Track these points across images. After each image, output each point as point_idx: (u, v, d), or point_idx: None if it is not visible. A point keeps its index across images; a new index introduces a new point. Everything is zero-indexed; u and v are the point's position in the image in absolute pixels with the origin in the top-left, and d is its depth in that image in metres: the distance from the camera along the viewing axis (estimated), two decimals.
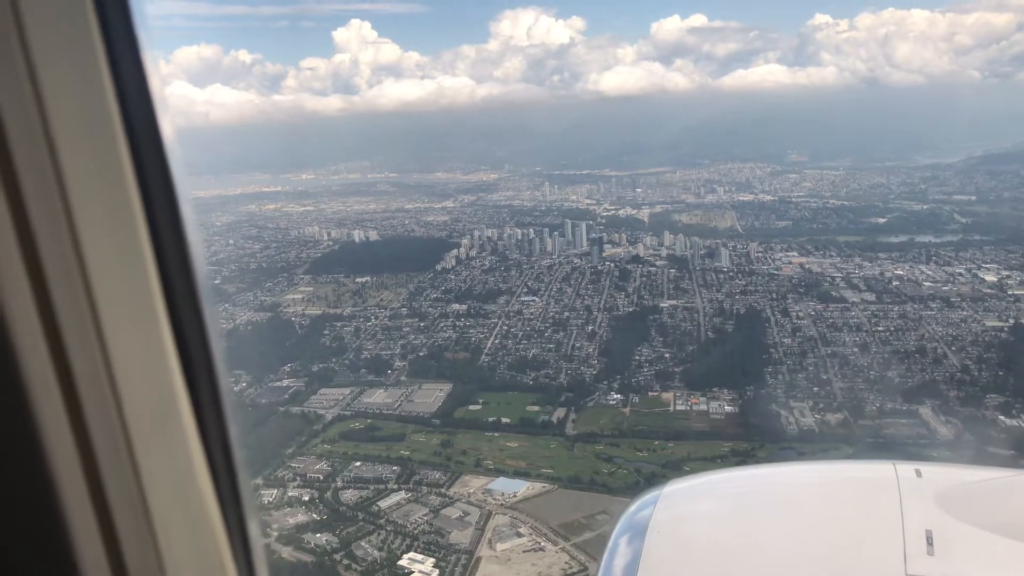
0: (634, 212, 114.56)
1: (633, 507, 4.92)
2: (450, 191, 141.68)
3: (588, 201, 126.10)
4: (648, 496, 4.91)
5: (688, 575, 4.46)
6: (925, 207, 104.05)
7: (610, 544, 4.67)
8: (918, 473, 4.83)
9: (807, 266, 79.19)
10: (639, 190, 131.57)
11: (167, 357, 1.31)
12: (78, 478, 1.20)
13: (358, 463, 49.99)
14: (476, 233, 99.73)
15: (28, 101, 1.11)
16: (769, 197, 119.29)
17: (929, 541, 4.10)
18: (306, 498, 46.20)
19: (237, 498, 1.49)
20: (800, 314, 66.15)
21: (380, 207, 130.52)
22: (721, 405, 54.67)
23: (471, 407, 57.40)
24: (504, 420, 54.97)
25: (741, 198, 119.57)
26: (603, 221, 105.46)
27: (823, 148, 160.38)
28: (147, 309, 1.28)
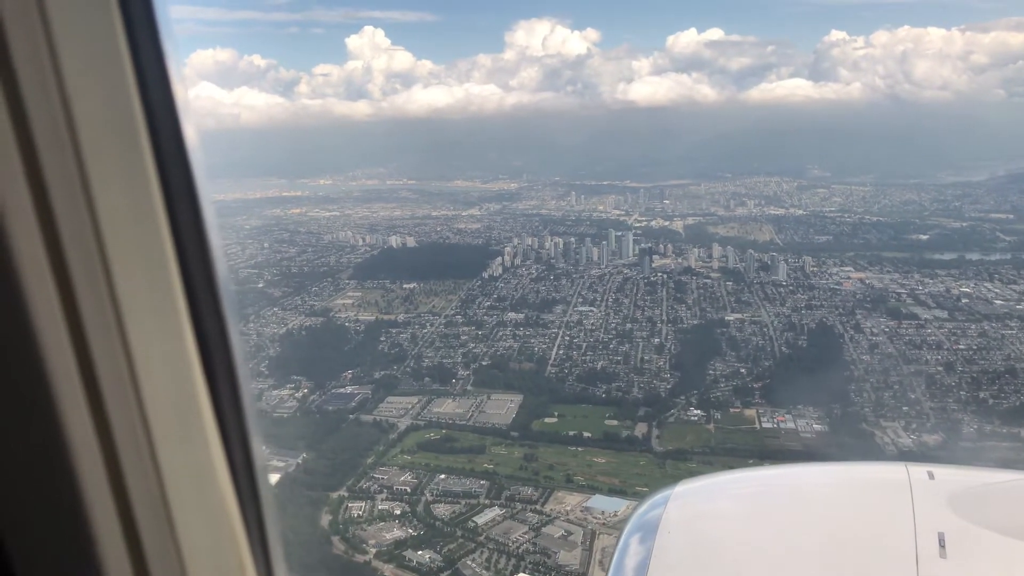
0: (666, 224, 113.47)
1: (644, 507, 4.90)
2: (473, 199, 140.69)
3: (616, 211, 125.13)
4: (659, 496, 4.89)
5: (698, 575, 4.44)
6: (964, 225, 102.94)
7: (621, 543, 4.64)
8: (931, 475, 4.81)
9: (867, 281, 77.93)
10: (667, 202, 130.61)
11: (189, 357, 1.34)
12: (101, 477, 1.23)
13: (442, 475, 48.19)
14: (515, 241, 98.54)
15: (55, 103, 1.13)
16: (800, 211, 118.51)
17: (942, 544, 4.08)
18: (397, 512, 44.38)
19: (257, 498, 1.51)
20: (874, 330, 64.69)
21: (406, 213, 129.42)
22: (809, 423, 53.05)
23: (546, 419, 55.67)
24: (585, 434, 53.24)
25: (772, 212, 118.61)
26: (639, 232, 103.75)
27: (844, 163, 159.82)
28: (169, 310, 1.30)
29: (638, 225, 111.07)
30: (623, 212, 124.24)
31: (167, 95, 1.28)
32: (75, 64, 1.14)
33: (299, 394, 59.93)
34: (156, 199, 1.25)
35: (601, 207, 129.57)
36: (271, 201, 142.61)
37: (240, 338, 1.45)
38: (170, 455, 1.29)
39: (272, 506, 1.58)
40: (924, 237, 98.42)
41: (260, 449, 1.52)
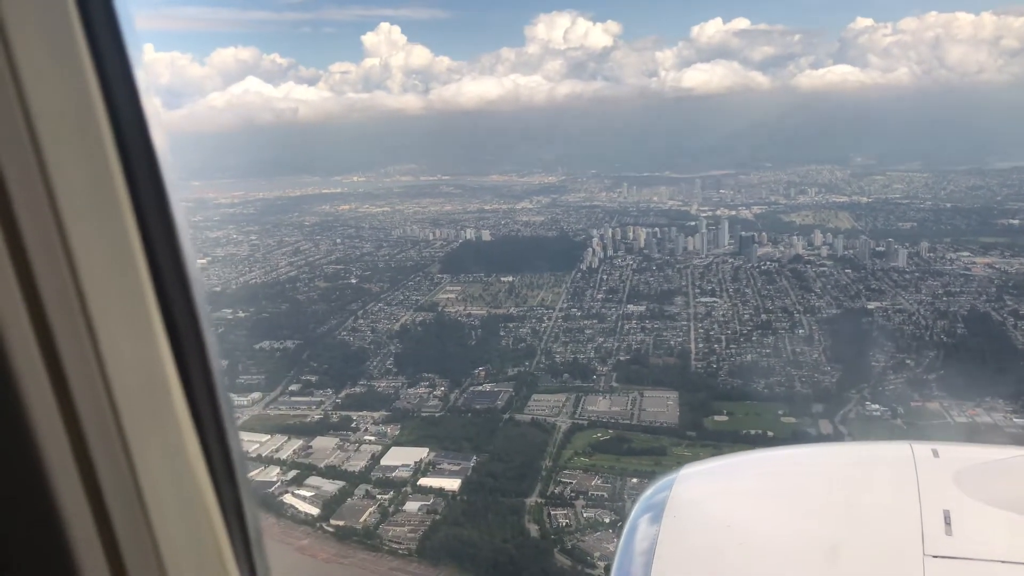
0: (732, 213, 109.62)
1: (651, 490, 4.86)
2: (518, 193, 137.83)
3: (672, 202, 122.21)
4: (665, 479, 4.86)
5: (704, 557, 4.37)
6: None
7: (627, 526, 4.62)
8: (935, 453, 4.74)
9: (996, 266, 74.36)
10: (723, 191, 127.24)
11: (160, 350, 1.30)
12: (73, 475, 1.19)
13: (634, 479, 44.38)
14: (597, 232, 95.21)
15: (11, 98, 1.09)
16: (865, 199, 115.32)
17: (947, 520, 4.05)
18: (606, 519, 40.58)
19: (235, 490, 1.48)
20: None
21: (457, 208, 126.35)
22: (1008, 417, 49.24)
23: (716, 417, 51.88)
24: (769, 433, 49.43)
25: (835, 199, 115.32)
26: (713, 221, 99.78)
27: (887, 151, 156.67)
28: (138, 302, 1.26)
29: (704, 215, 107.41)
30: (680, 202, 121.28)
31: (129, 86, 1.23)
32: (33, 64, 1.09)
33: (437, 392, 56.19)
34: (120, 190, 1.21)
35: (655, 198, 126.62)
36: (313, 198, 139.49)
37: (212, 328, 1.39)
38: (145, 451, 1.25)
39: (252, 498, 1.48)
40: (1015, 222, 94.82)
41: (237, 441, 1.43)
